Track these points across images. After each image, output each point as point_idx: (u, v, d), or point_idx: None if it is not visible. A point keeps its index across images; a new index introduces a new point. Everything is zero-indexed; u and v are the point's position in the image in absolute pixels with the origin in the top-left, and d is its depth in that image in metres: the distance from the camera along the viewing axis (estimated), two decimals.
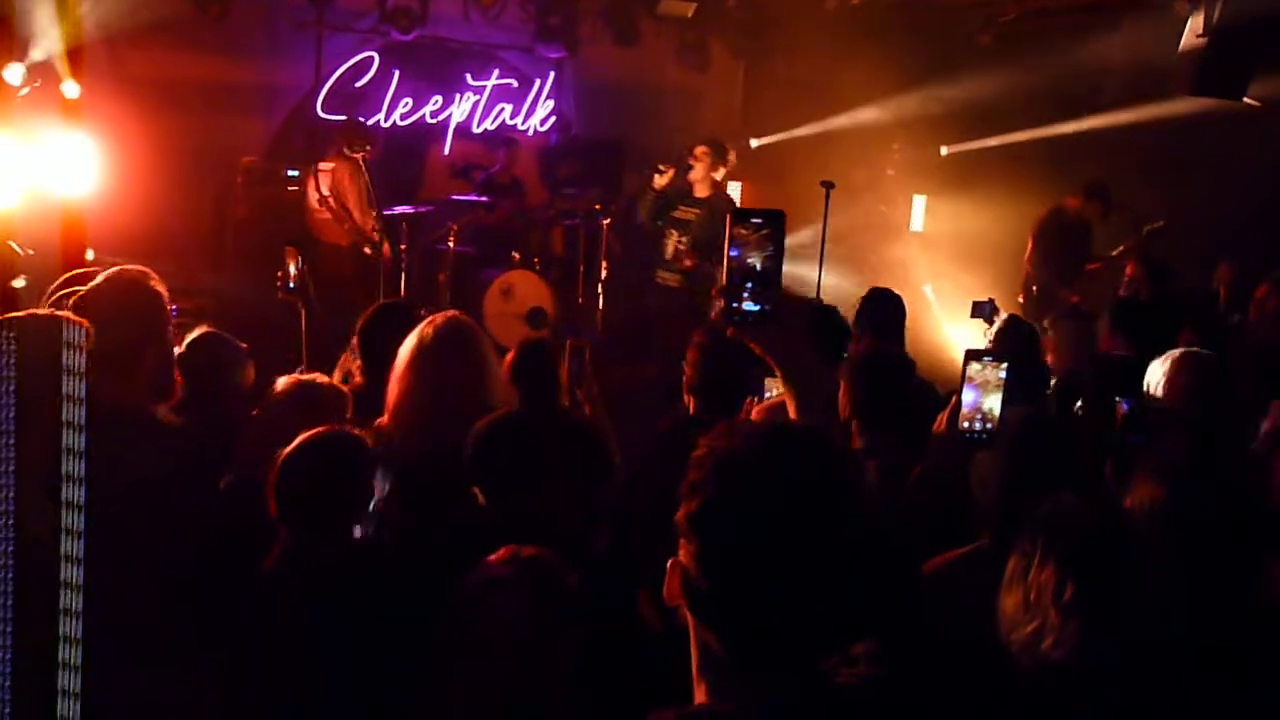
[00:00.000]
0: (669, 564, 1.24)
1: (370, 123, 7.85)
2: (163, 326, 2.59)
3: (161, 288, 2.69)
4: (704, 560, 1.21)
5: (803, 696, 1.19)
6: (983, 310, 4.27)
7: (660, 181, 5.64)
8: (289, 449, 2.25)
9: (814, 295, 5.86)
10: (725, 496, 1.21)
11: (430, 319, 3.01)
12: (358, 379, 3.24)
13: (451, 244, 7.42)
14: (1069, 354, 3.79)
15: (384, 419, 2.90)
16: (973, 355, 2.18)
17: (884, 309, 4.07)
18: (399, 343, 3.08)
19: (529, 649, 1.68)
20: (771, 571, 1.19)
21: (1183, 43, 3.52)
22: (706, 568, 1.21)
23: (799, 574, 1.18)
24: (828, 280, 6.12)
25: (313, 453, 2.22)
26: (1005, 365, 2.16)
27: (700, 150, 5.62)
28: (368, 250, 6.78)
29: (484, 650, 1.67)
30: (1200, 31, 3.37)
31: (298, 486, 2.19)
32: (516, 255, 7.78)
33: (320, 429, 2.31)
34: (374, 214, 6.81)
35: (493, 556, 1.80)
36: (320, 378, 2.83)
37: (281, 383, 2.80)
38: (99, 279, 2.53)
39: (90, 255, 4.17)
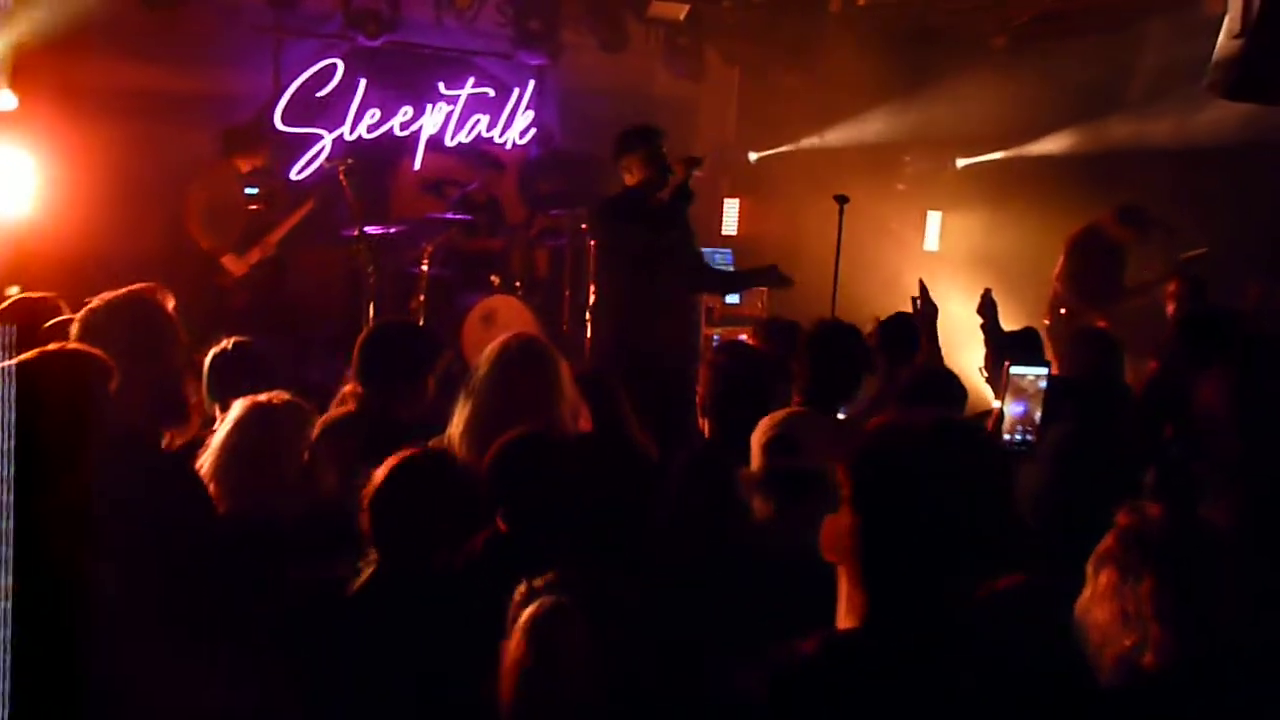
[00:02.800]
0: (825, 521, 1.52)
1: (334, 135, 8.02)
2: (165, 346, 2.68)
3: (168, 303, 2.78)
4: (865, 531, 1.50)
5: (926, 622, 1.48)
6: (986, 307, 4.43)
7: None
8: (383, 472, 2.43)
9: (829, 311, 5.98)
10: (890, 474, 1.51)
11: (504, 339, 3.19)
12: (351, 405, 3.34)
13: (425, 266, 7.55)
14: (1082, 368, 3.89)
15: (444, 441, 3.05)
16: (1014, 364, 2.34)
17: (905, 335, 4.25)
18: (401, 364, 3.21)
19: (595, 672, 1.82)
20: (925, 544, 1.48)
21: (1218, 45, 3.70)
22: (867, 537, 1.50)
23: (949, 548, 1.47)
24: (841, 298, 6.25)
25: (409, 477, 2.41)
26: (1044, 375, 2.32)
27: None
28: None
29: (550, 674, 1.83)
30: (1236, 31, 3.55)
31: (396, 509, 2.39)
32: (496, 279, 7.93)
33: (412, 451, 2.49)
34: (264, 243, 7.00)
35: (540, 580, 1.95)
36: (278, 397, 2.95)
37: (238, 407, 2.91)
38: (99, 299, 2.61)
39: (14, 291, 4.30)
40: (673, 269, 4.93)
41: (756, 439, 2.65)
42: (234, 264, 6.90)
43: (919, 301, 4.30)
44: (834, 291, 6.19)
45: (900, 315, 4.31)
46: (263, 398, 2.92)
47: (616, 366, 4.45)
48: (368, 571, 2.38)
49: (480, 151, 8.66)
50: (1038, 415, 2.28)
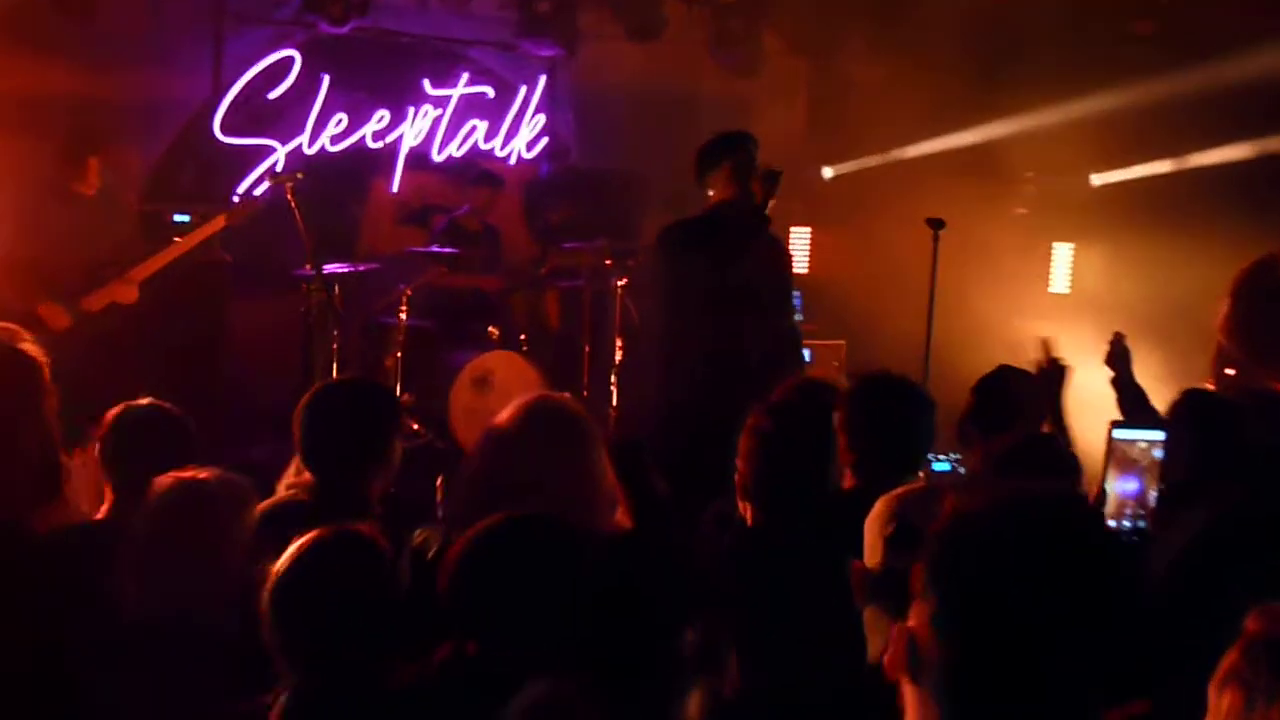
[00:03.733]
0: (894, 631, 1.55)
1: (288, 148, 8.21)
2: (28, 406, 2.80)
3: (37, 351, 2.86)
4: (944, 615, 1.51)
5: None
6: (1117, 354, 4.42)
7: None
8: (286, 560, 2.49)
9: (920, 373, 6.00)
10: (978, 543, 1.55)
11: (526, 400, 3.29)
12: (303, 475, 3.45)
13: (403, 315, 7.67)
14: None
15: (426, 532, 3.15)
16: (1119, 426, 2.31)
17: (1013, 395, 4.24)
18: (357, 433, 3.33)
19: None
20: (1021, 653, 1.49)
21: None
22: (946, 624, 1.51)
23: (1053, 661, 1.48)
24: (937, 354, 6.31)
25: (321, 562, 2.47)
26: (1160, 442, 2.29)
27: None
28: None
29: None
30: None
31: (303, 606, 2.45)
32: (494, 331, 8.03)
33: (326, 531, 2.52)
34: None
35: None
36: (209, 473, 3.04)
37: (161, 485, 2.99)
38: None
39: None
40: (747, 313, 5.10)
41: (876, 527, 2.69)
42: (54, 315, 6.26)
43: (1043, 364, 4.32)
44: (927, 344, 6.25)
45: (1004, 372, 4.34)
46: (191, 473, 2.99)
47: (665, 439, 4.61)
48: (282, 696, 2.39)
49: (475, 168, 8.82)
50: (1152, 495, 2.23)
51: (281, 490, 3.58)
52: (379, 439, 3.47)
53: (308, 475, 3.46)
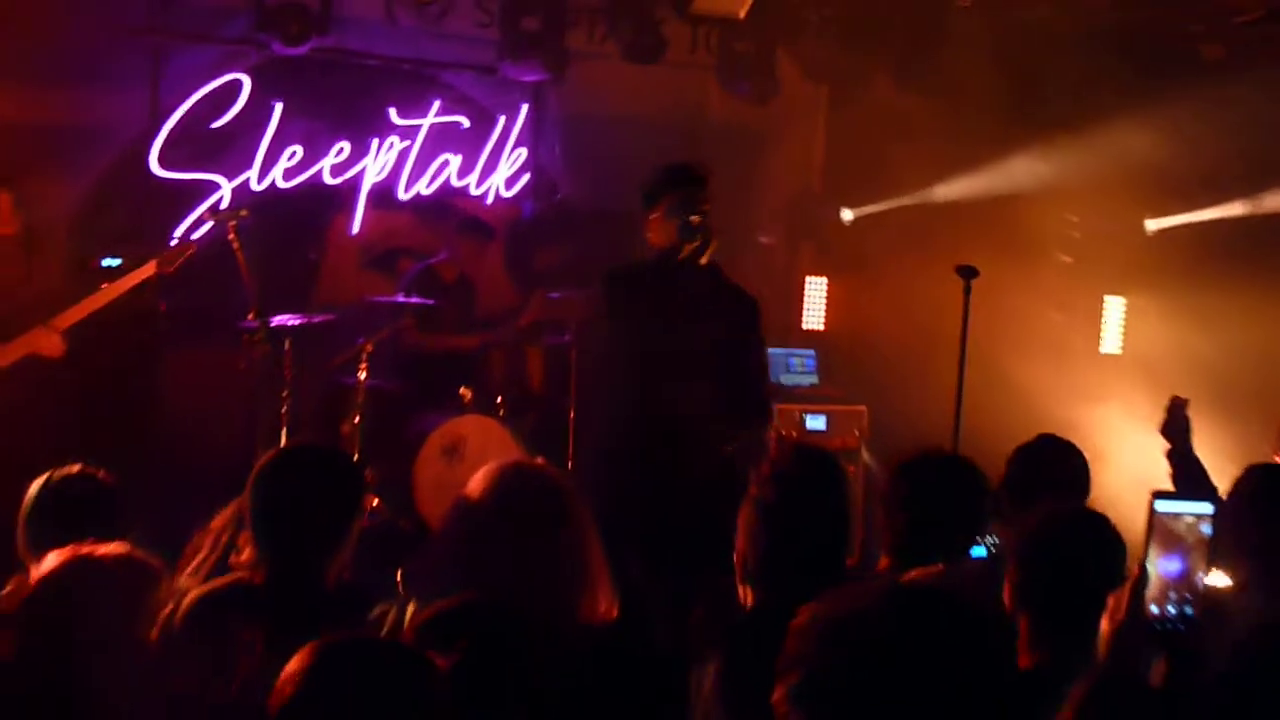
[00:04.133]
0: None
1: (235, 183, 8.29)
2: None
3: None
4: (796, 699, 1.71)
5: None
6: (1175, 422, 4.44)
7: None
8: (301, 666, 2.25)
9: (950, 442, 6.05)
10: (838, 667, 1.73)
11: (488, 469, 3.27)
12: (244, 573, 3.43)
13: (363, 374, 7.73)
14: None
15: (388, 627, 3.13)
16: (1161, 497, 2.39)
17: (1055, 468, 4.29)
18: (320, 508, 3.35)
19: None
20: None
21: None
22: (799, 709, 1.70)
23: None
24: (970, 421, 6.34)
25: (351, 676, 2.24)
26: (1210, 516, 2.35)
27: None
28: None
29: None
30: None
31: None
32: (467, 393, 8.08)
33: (342, 637, 2.34)
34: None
35: None
36: (111, 550, 3.04)
37: (52, 560, 3.00)
38: None
39: None
40: (687, 378, 5.08)
41: None
42: None
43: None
44: (957, 410, 6.29)
45: (1046, 441, 4.39)
46: (89, 549, 2.99)
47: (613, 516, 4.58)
48: None
49: (448, 208, 8.94)
50: (1200, 577, 2.26)
51: (187, 573, 3.60)
52: (344, 515, 3.46)
53: (247, 554, 3.45)
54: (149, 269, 6.74)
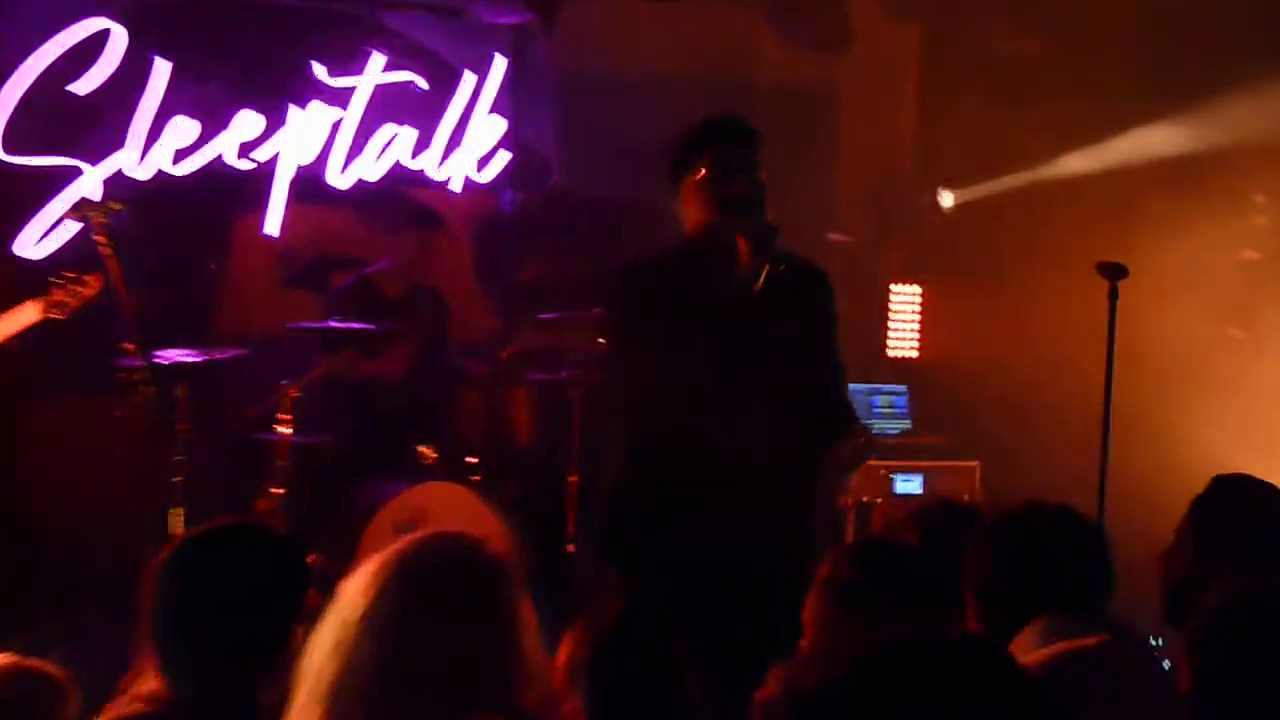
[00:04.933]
0: None
1: (107, 168, 8.20)
2: None
3: None
4: None
5: None
6: None
7: None
8: None
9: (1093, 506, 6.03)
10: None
11: (403, 546, 3.25)
12: (146, 680, 3.38)
13: (287, 428, 7.68)
14: None
15: None
16: None
17: (1248, 516, 4.30)
18: (245, 612, 3.33)
19: None
20: None
21: None
22: None
23: None
24: (1122, 477, 6.33)
25: None
26: None
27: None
28: None
29: None
30: None
31: None
32: (429, 451, 8.04)
33: None
34: None
35: None
36: (36, 665, 3.14)
37: None
38: None
39: None
40: (751, 403, 5.03)
41: None
42: None
43: None
44: (1103, 457, 6.27)
45: (1238, 482, 4.41)
46: None
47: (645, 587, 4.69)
48: None
49: (398, 201, 8.89)
50: None
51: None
52: (282, 619, 3.47)
53: (149, 681, 3.40)
54: (29, 315, 6.85)
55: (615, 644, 3.54)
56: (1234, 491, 4.46)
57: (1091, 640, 3.67)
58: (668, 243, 5.29)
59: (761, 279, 5.08)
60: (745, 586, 4.86)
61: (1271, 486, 4.44)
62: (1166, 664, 5.14)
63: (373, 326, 8.00)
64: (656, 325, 5.12)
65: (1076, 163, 9.13)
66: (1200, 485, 4.63)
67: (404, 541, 3.27)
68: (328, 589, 7.37)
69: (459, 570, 3.24)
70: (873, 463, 8.28)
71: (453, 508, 7.68)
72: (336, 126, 8.82)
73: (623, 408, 5.40)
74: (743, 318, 5.07)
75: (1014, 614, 3.74)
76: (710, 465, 4.99)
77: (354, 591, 3.21)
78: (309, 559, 7.11)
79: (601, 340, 6.32)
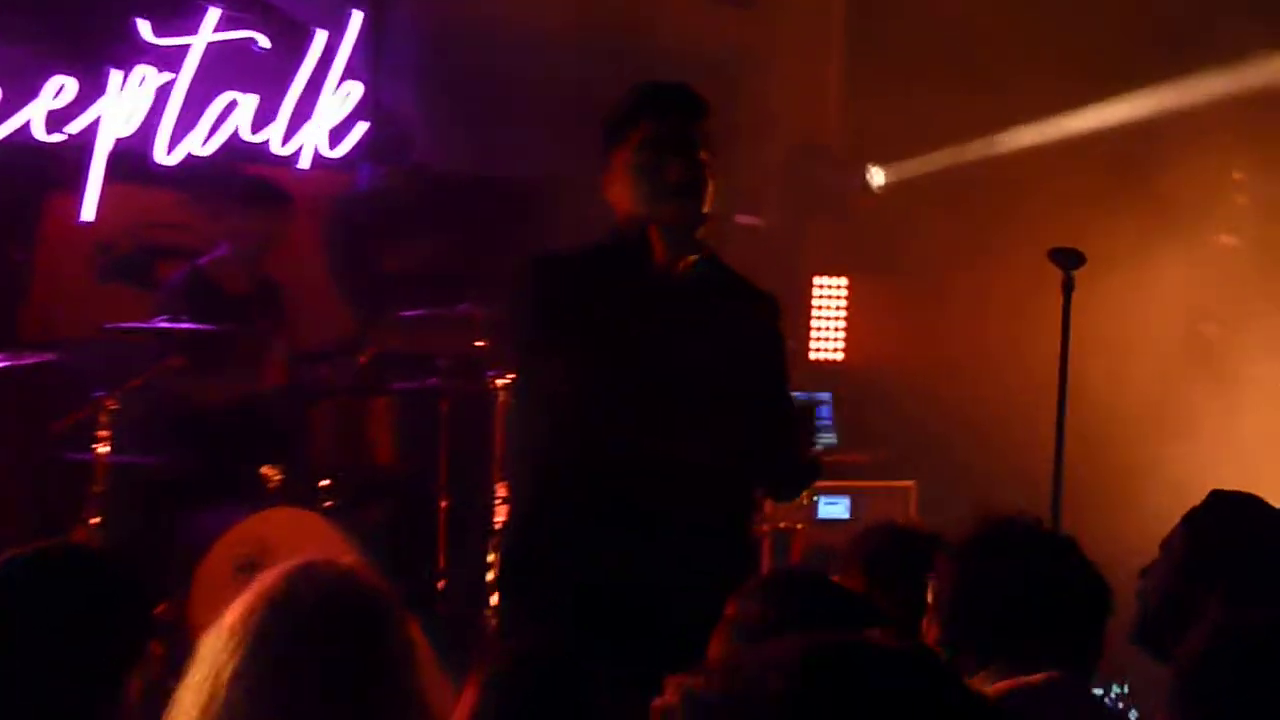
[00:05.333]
0: None
1: None
2: None
3: None
4: None
5: None
6: None
7: None
8: None
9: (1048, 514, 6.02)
10: None
11: (278, 573, 3.24)
12: None
13: (105, 446, 7.60)
14: None
15: None
16: None
17: (1249, 537, 4.36)
18: (58, 653, 3.33)
19: None
20: None
21: None
22: None
23: None
24: (1076, 473, 6.43)
25: None
26: None
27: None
28: None
29: None
30: None
31: None
32: (273, 473, 8.02)
33: None
34: None
35: None
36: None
37: None
38: None
39: None
40: (685, 424, 5.03)
41: None
42: None
43: None
44: (1056, 479, 6.30)
45: (1240, 500, 4.48)
46: None
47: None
48: None
49: (237, 178, 8.87)
50: None
51: None
52: (113, 665, 3.46)
53: None
54: None
55: (520, 688, 3.54)
56: (1234, 510, 4.50)
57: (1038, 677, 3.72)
58: (589, 237, 5.30)
59: (680, 276, 5.11)
60: (667, 624, 4.76)
61: (1275, 510, 4.48)
62: (1134, 715, 5.21)
63: (207, 327, 7.93)
64: (567, 330, 5.11)
65: (1027, 138, 9.24)
66: (1170, 511, 4.68)
67: (269, 579, 3.24)
68: (167, 636, 7.40)
69: (340, 607, 3.22)
70: None
71: (301, 539, 7.58)
72: (164, 94, 8.76)
73: (532, 422, 5.42)
74: (682, 328, 5.10)
75: (984, 651, 3.77)
76: (625, 487, 5.00)
77: (219, 647, 3.18)
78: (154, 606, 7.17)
79: (508, 344, 6.33)
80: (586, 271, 5.16)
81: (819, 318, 9.85)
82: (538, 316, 5.23)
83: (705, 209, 5.06)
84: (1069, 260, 6.33)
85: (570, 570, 5.04)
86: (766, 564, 7.86)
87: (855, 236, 9.94)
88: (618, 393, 5.01)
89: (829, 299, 9.84)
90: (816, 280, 9.86)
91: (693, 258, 5.11)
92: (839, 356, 9.84)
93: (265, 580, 3.22)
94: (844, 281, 9.90)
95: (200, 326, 7.88)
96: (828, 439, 8.96)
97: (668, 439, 4.98)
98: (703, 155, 5.07)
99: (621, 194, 5.14)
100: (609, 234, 5.18)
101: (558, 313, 5.15)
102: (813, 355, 9.79)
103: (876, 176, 9.81)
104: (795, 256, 9.95)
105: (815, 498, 8.54)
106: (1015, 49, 8.97)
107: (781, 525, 8.22)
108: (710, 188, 5.07)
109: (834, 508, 8.60)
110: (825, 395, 9.14)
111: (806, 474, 5.50)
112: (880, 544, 4.82)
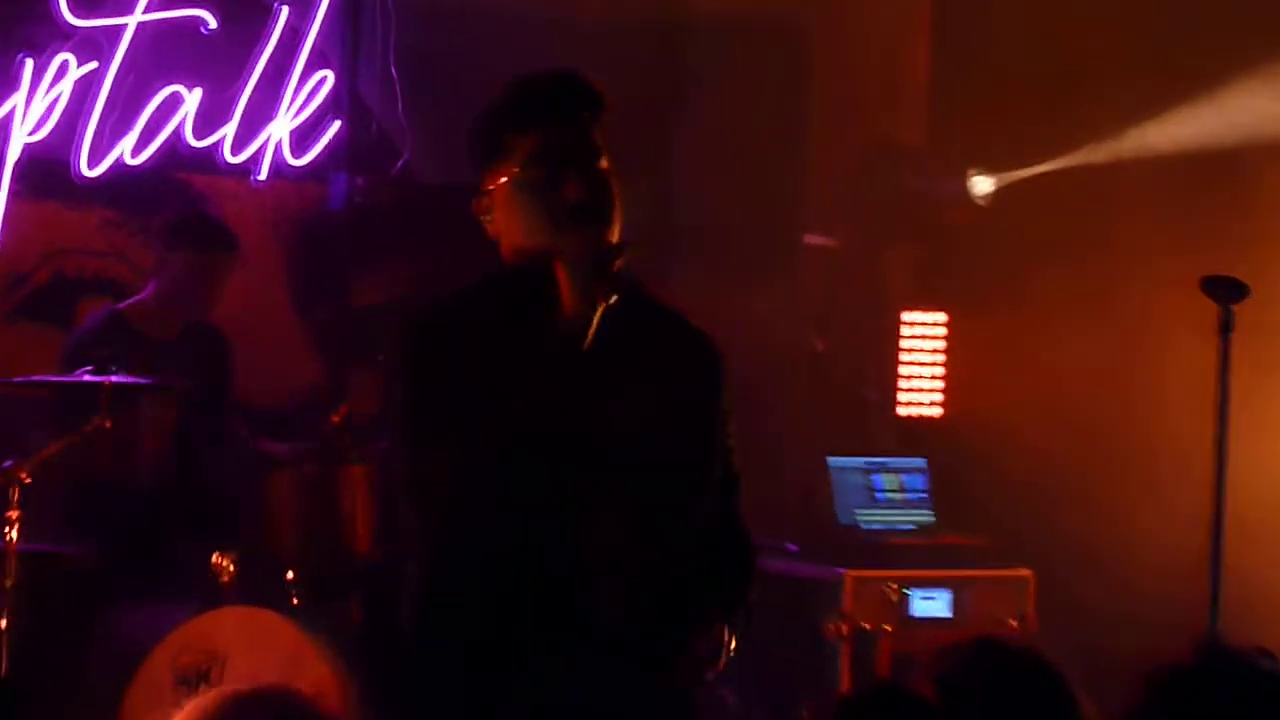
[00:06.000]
0: None
1: None
2: None
3: None
4: None
5: None
6: None
7: None
8: None
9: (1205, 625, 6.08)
10: None
11: (196, 707, 3.25)
12: None
13: (11, 531, 7.62)
14: None
15: None
16: None
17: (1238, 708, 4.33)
18: None
19: None
20: None
21: None
22: None
23: None
24: (1240, 552, 6.40)
25: None
26: None
27: None
28: None
29: None
30: None
31: None
32: (226, 563, 8.00)
33: None
34: None
35: None
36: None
37: None
38: None
39: None
40: (593, 509, 5.03)
41: None
42: None
43: None
44: (1214, 565, 6.28)
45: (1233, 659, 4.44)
46: None
47: None
48: None
49: (176, 194, 9.02)
50: None
51: None
52: None
53: None
54: None
55: None
56: (1228, 670, 4.23)
57: None
58: (468, 283, 5.24)
59: (593, 325, 4.99)
60: None
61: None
62: None
63: (142, 380, 7.96)
64: (453, 400, 5.04)
65: (1169, 137, 9.17)
66: None
67: (211, 708, 3.23)
68: None
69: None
70: (876, 574, 8.41)
71: (261, 647, 7.72)
72: (89, 88, 8.86)
73: (418, 514, 5.35)
74: (591, 391, 5.02)
75: None
76: (529, 599, 5.01)
77: None
78: None
79: (388, 435, 6.28)
80: (470, 326, 5.08)
81: (909, 363, 9.79)
82: (417, 388, 5.18)
83: (614, 235, 4.99)
84: (1228, 292, 6.30)
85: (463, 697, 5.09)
86: (846, 678, 7.91)
87: (955, 261, 9.99)
88: (515, 484, 4.91)
89: (923, 339, 9.80)
90: (906, 316, 9.81)
91: (607, 300, 4.94)
92: (936, 412, 9.83)
93: (192, 715, 3.25)
94: (942, 318, 9.86)
95: (136, 380, 7.91)
96: (922, 516, 9.07)
97: (583, 536, 4.99)
98: (603, 164, 5.02)
99: (510, 226, 5.06)
100: (499, 272, 5.10)
101: (438, 381, 5.08)
102: (901, 410, 9.77)
103: (981, 184, 9.78)
104: (879, 286, 10.00)
105: (907, 591, 8.48)
106: (1156, 15, 9.04)
107: (865, 626, 8.20)
108: (618, 207, 5.01)
109: (931, 604, 8.55)
110: (918, 461, 9.17)
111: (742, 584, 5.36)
112: (955, 662, 4.78)
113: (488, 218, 5.09)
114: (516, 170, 4.97)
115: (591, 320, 4.92)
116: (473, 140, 5.14)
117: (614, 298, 4.93)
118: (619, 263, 4.95)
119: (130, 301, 8.51)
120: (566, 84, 5.15)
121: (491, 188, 5.04)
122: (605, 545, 4.99)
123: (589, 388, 4.98)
